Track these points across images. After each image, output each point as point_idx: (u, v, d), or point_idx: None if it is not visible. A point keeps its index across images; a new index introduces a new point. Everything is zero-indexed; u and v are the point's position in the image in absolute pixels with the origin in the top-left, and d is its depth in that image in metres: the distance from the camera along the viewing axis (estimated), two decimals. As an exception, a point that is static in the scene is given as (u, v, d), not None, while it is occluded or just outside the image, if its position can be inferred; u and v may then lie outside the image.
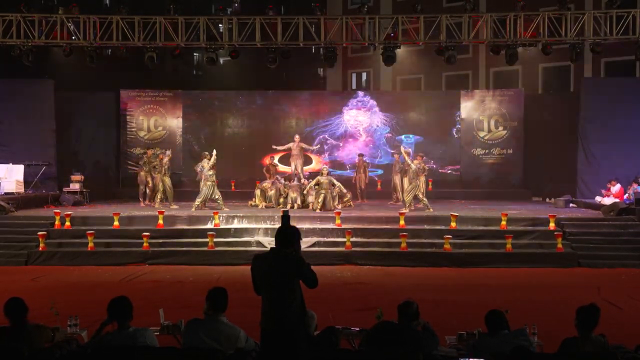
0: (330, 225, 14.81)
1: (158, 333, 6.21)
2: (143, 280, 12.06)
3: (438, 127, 22.58)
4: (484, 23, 17.11)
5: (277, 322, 4.95)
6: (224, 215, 15.49)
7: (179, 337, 6.25)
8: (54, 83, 20.32)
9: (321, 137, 22.50)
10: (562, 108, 21.39)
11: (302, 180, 18.44)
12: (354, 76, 29.59)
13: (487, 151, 22.38)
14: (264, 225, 14.90)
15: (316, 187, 16.77)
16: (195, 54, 30.67)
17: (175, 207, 17.25)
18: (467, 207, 17.76)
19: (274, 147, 19.71)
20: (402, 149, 18.00)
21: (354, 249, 13.96)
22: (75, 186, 19.46)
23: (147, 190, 18.34)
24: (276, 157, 19.88)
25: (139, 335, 5.04)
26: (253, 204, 17.82)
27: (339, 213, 15.09)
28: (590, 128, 19.77)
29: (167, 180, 17.58)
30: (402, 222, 14.67)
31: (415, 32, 17.22)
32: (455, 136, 22.48)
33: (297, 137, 19.61)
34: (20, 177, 18.57)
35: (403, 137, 22.49)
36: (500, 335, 5.25)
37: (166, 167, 17.55)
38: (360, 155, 20.34)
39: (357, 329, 6.43)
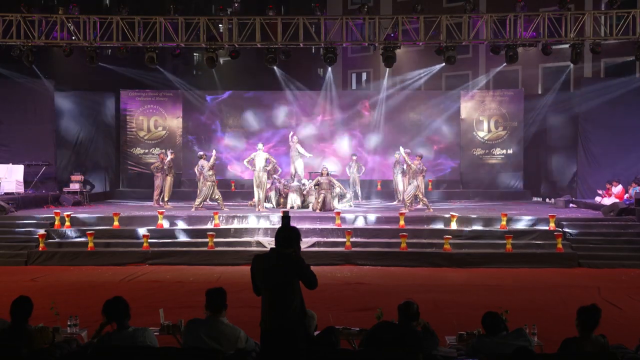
0: (330, 225, 14.81)
1: (158, 333, 6.21)
2: (143, 280, 12.05)
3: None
4: (484, 23, 17.09)
5: (277, 322, 4.95)
6: (224, 215, 15.49)
7: (179, 337, 6.25)
8: (54, 83, 20.32)
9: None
10: (562, 108, 21.39)
11: (302, 181, 18.43)
12: (354, 76, 29.56)
13: (487, 151, 22.38)
14: (264, 225, 14.91)
15: (316, 187, 16.79)
16: (195, 54, 30.65)
17: (169, 206, 17.36)
18: (467, 207, 17.75)
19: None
20: (402, 149, 17.99)
21: (354, 249, 13.96)
22: (75, 186, 19.47)
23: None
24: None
25: (138, 335, 5.04)
26: (253, 204, 17.81)
27: (339, 213, 15.08)
28: (590, 128, 19.78)
29: (170, 180, 17.79)
30: (402, 222, 14.67)
31: (415, 32, 17.19)
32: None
33: (294, 138, 19.39)
34: (20, 177, 18.56)
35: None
36: (500, 336, 5.25)
37: (169, 166, 17.70)
38: (354, 155, 20.34)
39: (357, 329, 6.43)
